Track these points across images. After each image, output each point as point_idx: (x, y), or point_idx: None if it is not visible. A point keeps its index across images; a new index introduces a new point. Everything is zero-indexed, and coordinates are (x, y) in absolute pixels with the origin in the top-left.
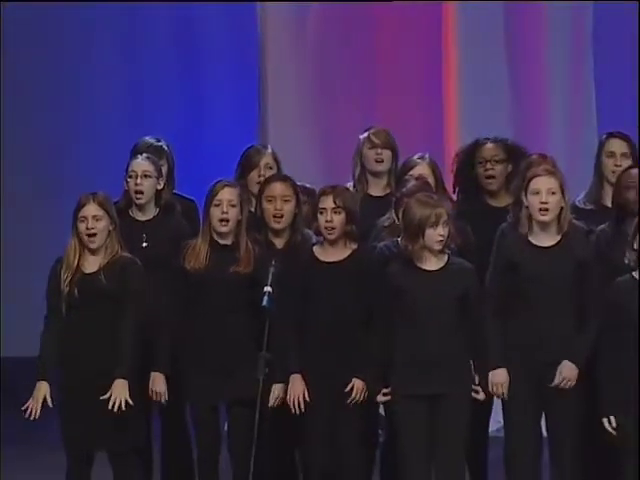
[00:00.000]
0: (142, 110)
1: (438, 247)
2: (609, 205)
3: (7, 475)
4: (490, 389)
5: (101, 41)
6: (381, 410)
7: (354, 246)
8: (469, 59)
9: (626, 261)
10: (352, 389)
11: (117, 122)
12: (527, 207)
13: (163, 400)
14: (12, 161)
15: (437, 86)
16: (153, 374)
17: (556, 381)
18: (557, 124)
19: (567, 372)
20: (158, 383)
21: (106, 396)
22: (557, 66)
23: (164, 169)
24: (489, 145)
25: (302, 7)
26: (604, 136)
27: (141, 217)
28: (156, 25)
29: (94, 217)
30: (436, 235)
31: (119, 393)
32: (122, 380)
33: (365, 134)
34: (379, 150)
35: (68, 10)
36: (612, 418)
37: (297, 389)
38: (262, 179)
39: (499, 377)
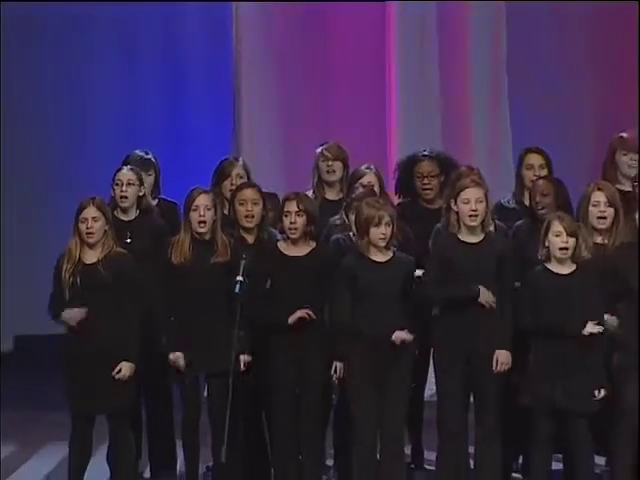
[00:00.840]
0: (134, 114)
1: (381, 244)
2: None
3: (23, 433)
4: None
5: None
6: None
7: (313, 244)
8: (407, 62)
9: (539, 256)
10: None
11: (109, 128)
12: (457, 212)
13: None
14: (12, 164)
15: (382, 92)
16: (172, 355)
17: (498, 369)
18: (479, 136)
19: (502, 358)
20: (178, 358)
21: (114, 372)
22: (479, 80)
23: (151, 177)
24: (426, 162)
25: (267, 7)
26: (523, 151)
27: (125, 217)
28: (143, 27)
29: (93, 218)
30: (379, 233)
31: (125, 372)
32: (129, 364)
33: (319, 149)
34: (330, 162)
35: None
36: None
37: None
38: (234, 187)
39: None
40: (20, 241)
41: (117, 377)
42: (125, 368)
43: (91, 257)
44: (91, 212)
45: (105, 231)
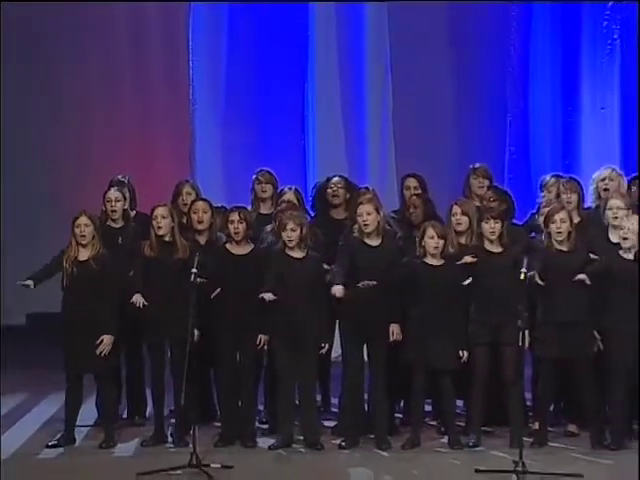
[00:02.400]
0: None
1: (290, 244)
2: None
3: (33, 386)
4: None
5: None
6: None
7: (252, 245)
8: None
9: (417, 253)
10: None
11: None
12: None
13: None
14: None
15: (302, 123)
16: (134, 297)
17: (394, 338)
18: (373, 163)
19: (396, 330)
20: (138, 298)
21: (97, 343)
22: (373, 118)
23: (128, 195)
24: (335, 180)
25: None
26: (403, 176)
27: (115, 225)
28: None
29: (85, 224)
30: (285, 236)
31: (106, 342)
32: (109, 336)
33: (255, 175)
34: (263, 186)
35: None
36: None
37: None
38: (185, 201)
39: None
40: (32, 226)
41: (99, 349)
42: (106, 339)
43: (84, 255)
44: (83, 220)
45: (94, 235)
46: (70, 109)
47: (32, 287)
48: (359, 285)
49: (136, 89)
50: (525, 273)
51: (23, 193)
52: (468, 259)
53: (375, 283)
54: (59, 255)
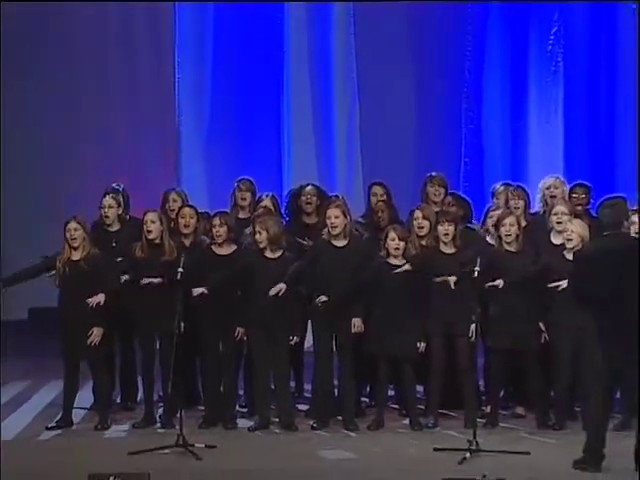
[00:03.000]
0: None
1: (260, 245)
2: (376, 220)
3: (35, 374)
4: None
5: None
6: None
7: (234, 246)
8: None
9: (381, 253)
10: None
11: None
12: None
13: None
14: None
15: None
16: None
17: (355, 330)
18: (342, 174)
19: (357, 323)
20: None
21: (88, 334)
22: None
23: (122, 202)
24: (309, 189)
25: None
26: (370, 184)
27: (111, 229)
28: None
29: (74, 229)
30: (258, 236)
31: (96, 333)
32: (99, 328)
33: (236, 183)
34: (243, 193)
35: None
36: None
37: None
38: (171, 207)
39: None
40: (33, 224)
41: (90, 339)
42: (96, 331)
43: (76, 256)
44: (73, 225)
45: (84, 238)
46: (66, 114)
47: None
48: (317, 302)
49: (126, 103)
50: (478, 272)
51: (23, 191)
52: (407, 267)
53: (325, 299)
54: (50, 258)
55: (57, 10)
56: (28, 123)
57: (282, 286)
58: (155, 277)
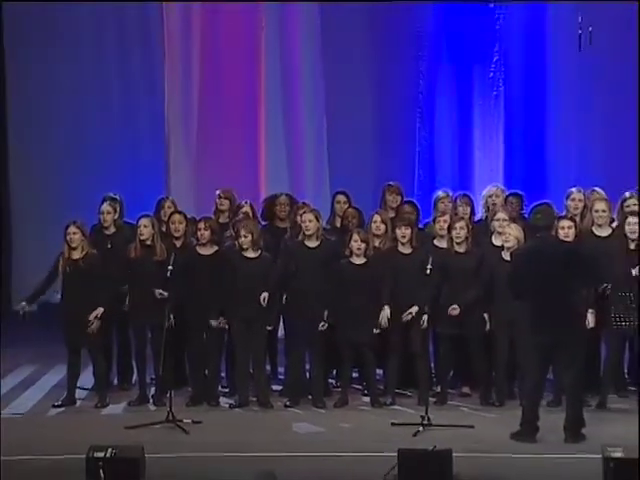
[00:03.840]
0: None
1: (244, 246)
2: (338, 226)
3: (42, 359)
4: None
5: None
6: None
7: (216, 247)
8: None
9: (347, 252)
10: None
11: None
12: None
13: None
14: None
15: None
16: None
17: (321, 329)
18: (310, 183)
19: (326, 313)
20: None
21: (91, 323)
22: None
23: (118, 208)
24: (282, 198)
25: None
26: (335, 193)
27: (107, 232)
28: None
29: (73, 232)
30: (243, 239)
31: (95, 325)
32: (96, 317)
33: (217, 192)
34: (222, 200)
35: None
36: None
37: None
38: (165, 214)
39: None
40: (44, 226)
41: (91, 316)
42: (94, 323)
43: (75, 255)
44: (72, 229)
45: (82, 240)
46: (68, 116)
47: (27, 309)
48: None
49: (123, 121)
50: (430, 269)
51: (31, 188)
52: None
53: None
54: (54, 264)
55: (54, 12)
56: (36, 136)
57: (265, 295)
58: (148, 273)
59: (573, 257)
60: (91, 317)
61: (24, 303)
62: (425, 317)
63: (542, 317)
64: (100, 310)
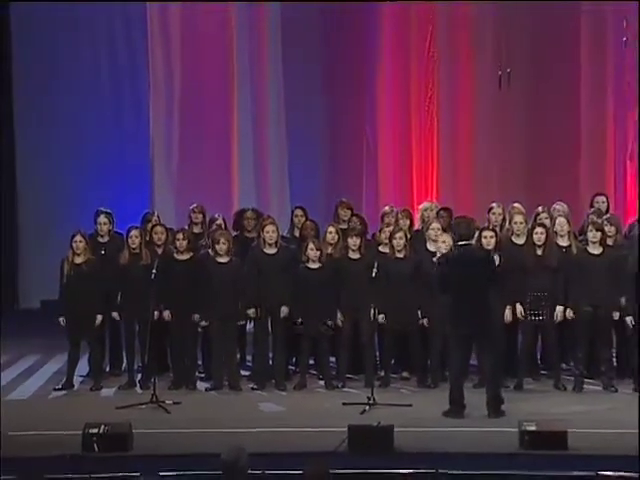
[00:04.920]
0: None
1: (222, 252)
2: (297, 236)
3: (45, 350)
4: None
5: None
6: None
7: (191, 253)
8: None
9: (304, 259)
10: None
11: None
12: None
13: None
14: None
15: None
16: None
17: (283, 315)
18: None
19: (285, 310)
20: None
21: (95, 319)
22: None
23: (111, 219)
24: (249, 212)
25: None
26: (294, 208)
27: (102, 240)
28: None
29: (79, 240)
30: (218, 247)
31: (98, 320)
32: (100, 315)
33: (191, 207)
34: (197, 215)
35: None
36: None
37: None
38: (151, 226)
39: None
40: (48, 227)
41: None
42: (97, 319)
43: (78, 260)
44: (78, 238)
45: (85, 247)
46: (68, 142)
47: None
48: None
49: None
50: (376, 272)
51: (38, 189)
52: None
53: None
54: (61, 266)
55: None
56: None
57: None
58: (136, 277)
59: (487, 263)
60: (96, 323)
61: (62, 318)
62: (371, 312)
63: (461, 312)
64: (99, 318)
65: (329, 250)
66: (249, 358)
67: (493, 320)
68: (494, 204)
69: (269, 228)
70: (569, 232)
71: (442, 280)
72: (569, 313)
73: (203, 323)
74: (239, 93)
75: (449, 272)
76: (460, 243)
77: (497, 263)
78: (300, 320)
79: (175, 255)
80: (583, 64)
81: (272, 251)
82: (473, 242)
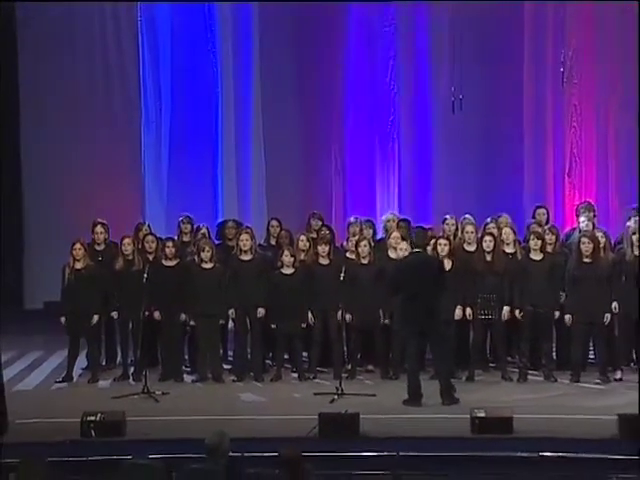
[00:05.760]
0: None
1: (207, 258)
2: (273, 244)
3: (47, 345)
4: None
5: None
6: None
7: (178, 260)
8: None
9: (279, 264)
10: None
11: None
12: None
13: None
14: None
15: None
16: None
17: (259, 315)
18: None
19: (262, 311)
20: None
21: (93, 319)
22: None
23: (107, 228)
24: (230, 223)
25: None
26: (270, 219)
27: (99, 248)
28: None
29: (79, 248)
30: (203, 254)
31: (95, 320)
32: (97, 315)
33: (180, 218)
34: (185, 225)
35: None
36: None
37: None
38: (142, 236)
39: None
40: (51, 232)
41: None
42: (95, 318)
43: (78, 266)
44: (78, 246)
45: (84, 254)
46: (71, 165)
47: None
48: None
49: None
50: (343, 276)
51: (43, 193)
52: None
53: None
54: (63, 271)
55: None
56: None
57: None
58: (129, 280)
59: (437, 267)
60: (93, 322)
61: (63, 318)
62: (339, 313)
63: (415, 311)
64: (96, 318)
65: (302, 256)
66: (230, 353)
67: (441, 319)
68: (448, 216)
69: (243, 237)
70: (514, 240)
71: (393, 283)
72: (515, 312)
73: (192, 323)
74: (224, 118)
75: (403, 276)
76: (415, 250)
77: (448, 268)
78: (274, 325)
79: (164, 262)
80: (526, 92)
81: (247, 257)
82: (426, 249)
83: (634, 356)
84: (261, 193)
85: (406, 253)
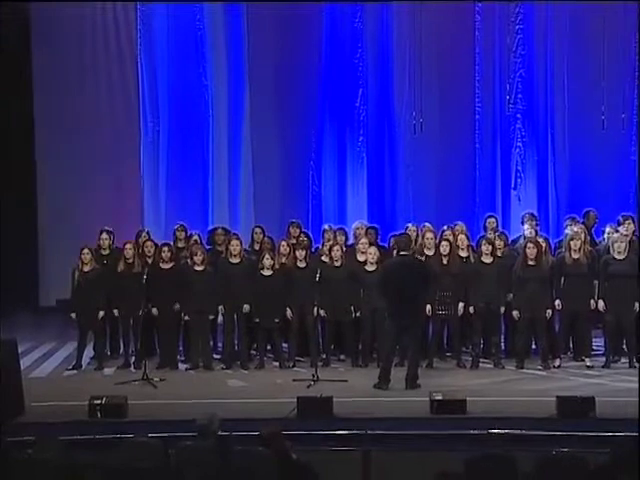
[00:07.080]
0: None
1: (199, 262)
2: (256, 249)
3: (58, 327)
4: None
5: None
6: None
7: (173, 263)
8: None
9: (260, 266)
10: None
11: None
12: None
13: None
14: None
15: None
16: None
17: (245, 311)
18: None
19: (247, 307)
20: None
21: (99, 315)
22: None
23: (112, 235)
24: (219, 230)
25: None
26: (253, 226)
27: (104, 252)
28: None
29: (87, 253)
30: (200, 257)
31: (100, 315)
32: (102, 311)
33: (175, 226)
34: (180, 232)
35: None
36: None
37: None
38: (142, 241)
39: None
40: (63, 237)
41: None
42: (100, 313)
43: (86, 269)
44: (85, 251)
45: (91, 259)
46: (80, 178)
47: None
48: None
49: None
50: (319, 277)
51: (56, 204)
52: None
53: None
54: (72, 273)
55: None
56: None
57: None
58: (130, 281)
59: (420, 268)
60: (99, 317)
61: (73, 314)
62: (315, 308)
63: (399, 308)
64: (101, 313)
65: (283, 260)
66: (220, 345)
67: (420, 315)
68: (409, 224)
69: (234, 242)
70: (467, 246)
71: (383, 283)
72: (469, 309)
73: (186, 318)
74: (214, 137)
75: (389, 277)
76: (401, 253)
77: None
78: (257, 320)
79: (161, 264)
80: (478, 114)
81: (236, 261)
82: (409, 253)
83: (571, 346)
84: (248, 203)
85: (372, 257)
